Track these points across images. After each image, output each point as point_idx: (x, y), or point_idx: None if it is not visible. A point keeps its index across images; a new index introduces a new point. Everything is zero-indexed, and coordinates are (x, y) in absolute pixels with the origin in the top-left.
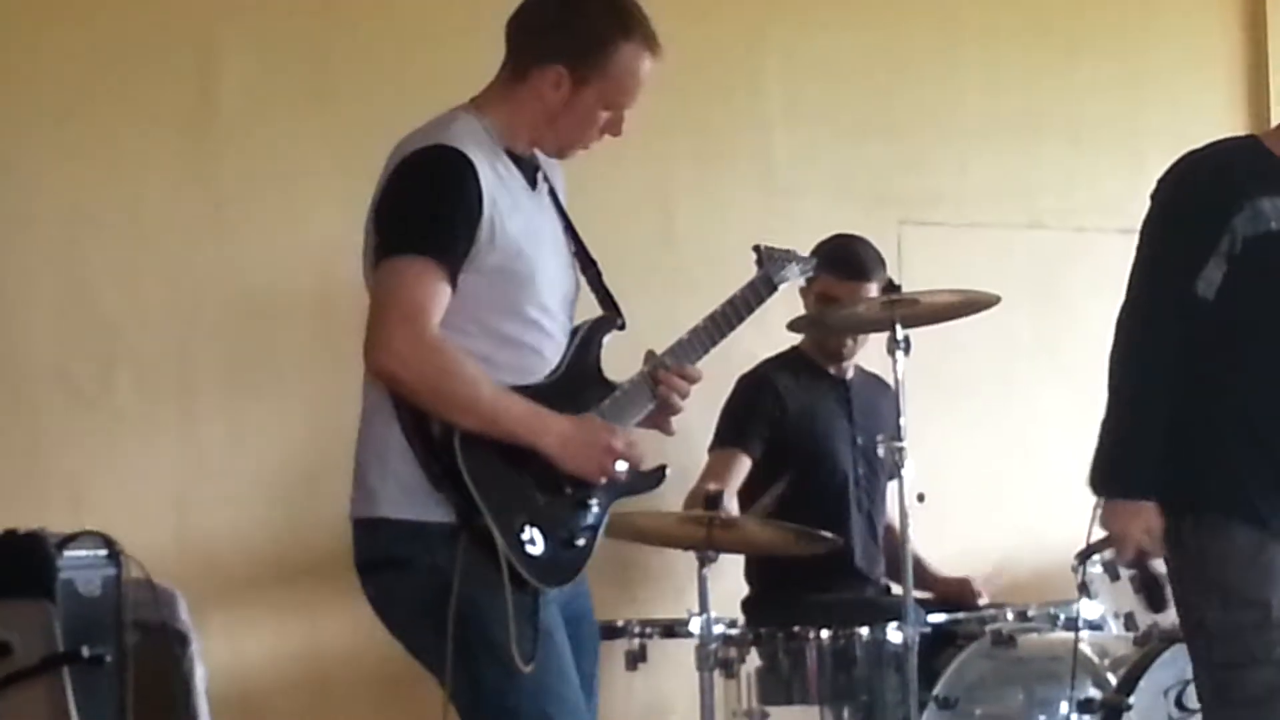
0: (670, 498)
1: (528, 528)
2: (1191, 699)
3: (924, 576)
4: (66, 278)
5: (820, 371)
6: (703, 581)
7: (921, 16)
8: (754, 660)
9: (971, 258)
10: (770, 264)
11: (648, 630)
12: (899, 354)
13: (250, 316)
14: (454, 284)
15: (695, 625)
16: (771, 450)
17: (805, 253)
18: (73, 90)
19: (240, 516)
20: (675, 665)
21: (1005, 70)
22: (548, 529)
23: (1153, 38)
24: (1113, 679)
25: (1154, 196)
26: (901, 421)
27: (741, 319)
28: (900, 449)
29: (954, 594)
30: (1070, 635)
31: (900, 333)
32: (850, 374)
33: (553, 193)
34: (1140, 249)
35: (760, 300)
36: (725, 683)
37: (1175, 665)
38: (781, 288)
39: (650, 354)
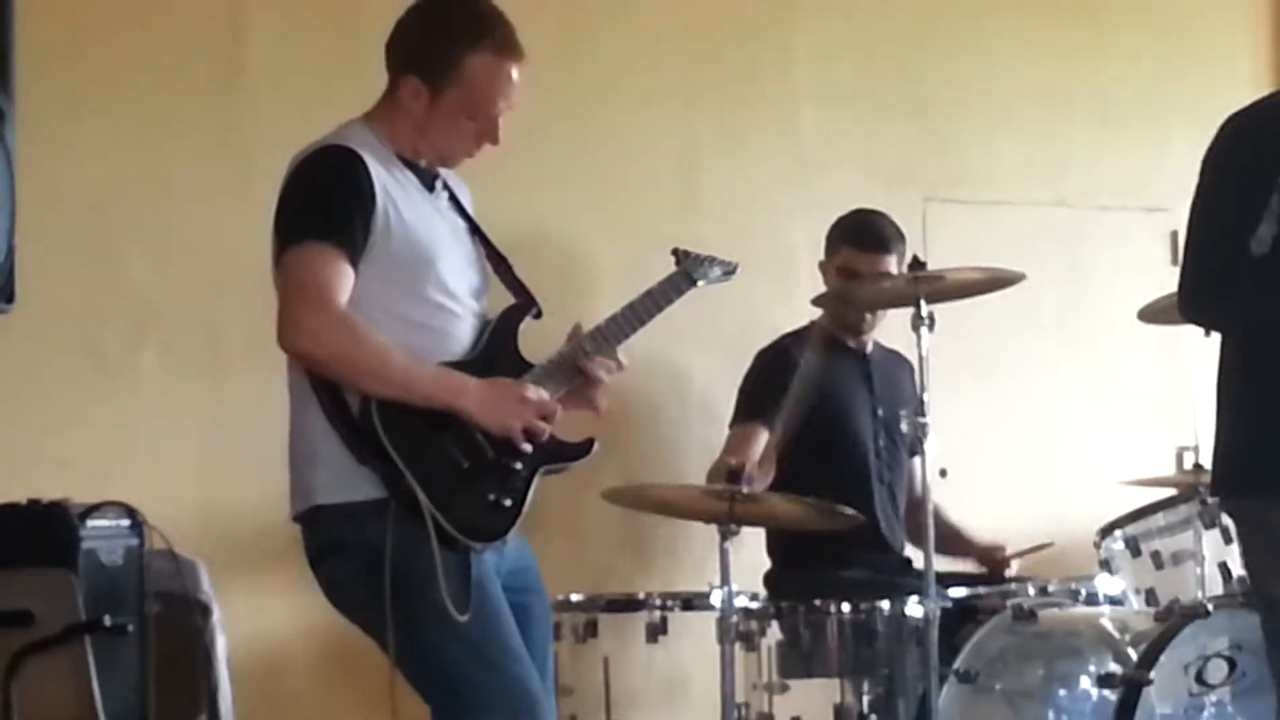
0: (693, 471)
1: (452, 487)
2: (1211, 674)
3: (958, 541)
4: (94, 248)
5: (840, 345)
6: (724, 554)
7: None
8: (775, 633)
9: (996, 235)
10: (690, 263)
11: (668, 603)
12: (923, 330)
13: None
14: (355, 266)
15: (716, 598)
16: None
17: (727, 258)
18: (100, 60)
19: (264, 487)
20: (696, 638)
21: (1032, 48)
22: (471, 490)
23: (1180, 16)
24: (1133, 654)
25: (1201, 166)
26: (925, 397)
27: (658, 311)
28: (923, 424)
29: (985, 558)
30: (1091, 610)
31: (924, 309)
32: (870, 348)
33: (455, 200)
34: (1193, 221)
35: (678, 294)
36: (746, 656)
37: (1196, 641)
38: (701, 284)
39: (577, 328)
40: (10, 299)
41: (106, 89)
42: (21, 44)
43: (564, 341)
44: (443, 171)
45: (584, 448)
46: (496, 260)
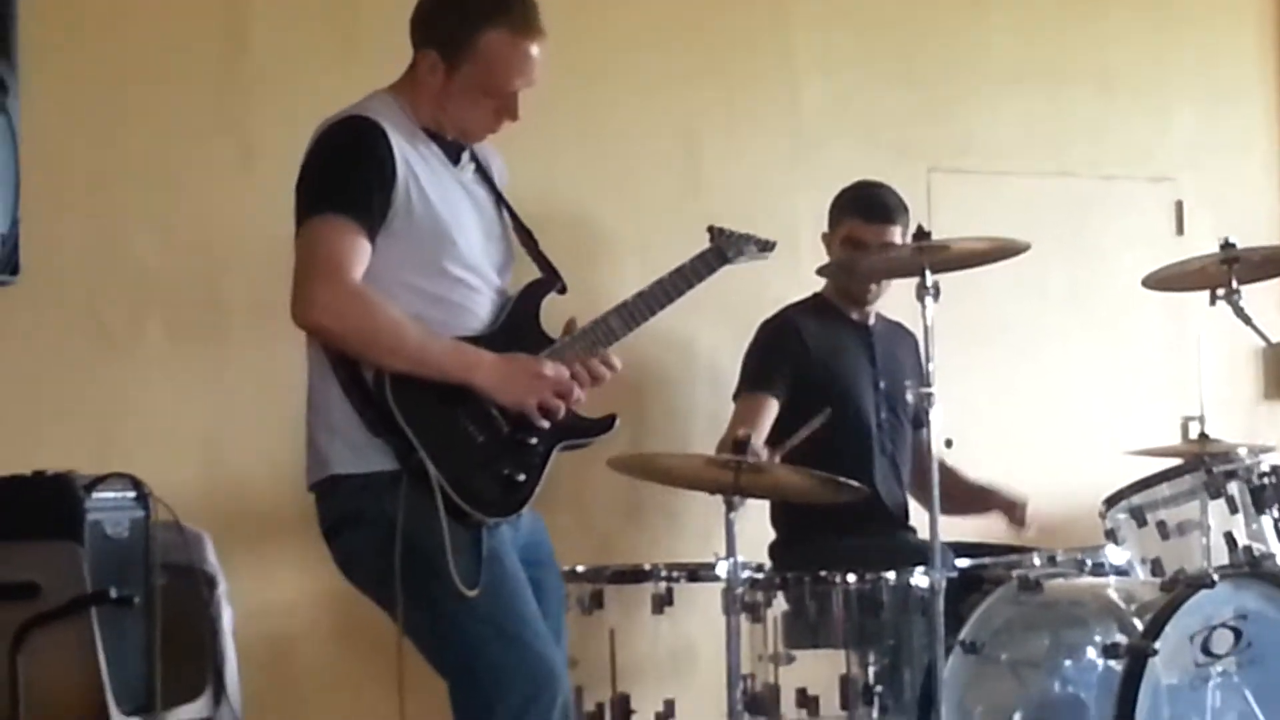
0: (697, 441)
1: (465, 461)
2: (1217, 644)
3: (980, 496)
4: (98, 223)
5: (843, 316)
6: (730, 525)
7: None
8: (780, 604)
9: (1000, 205)
10: (724, 240)
11: (674, 574)
12: (928, 300)
13: (279, 262)
14: (372, 240)
15: (722, 569)
16: (796, 393)
17: (765, 236)
18: (104, 34)
19: (269, 459)
20: (702, 609)
21: (1035, 17)
22: (486, 464)
23: None
24: (1139, 624)
25: None
26: (930, 368)
27: (688, 288)
28: (929, 395)
29: (1009, 511)
30: (1097, 580)
31: (930, 279)
32: (872, 320)
33: (483, 173)
34: None
35: (710, 272)
36: (751, 627)
37: (1202, 610)
38: (737, 262)
39: (571, 323)
40: (15, 271)
41: (110, 62)
42: (25, 16)
43: (560, 333)
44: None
45: (605, 424)
46: (524, 235)
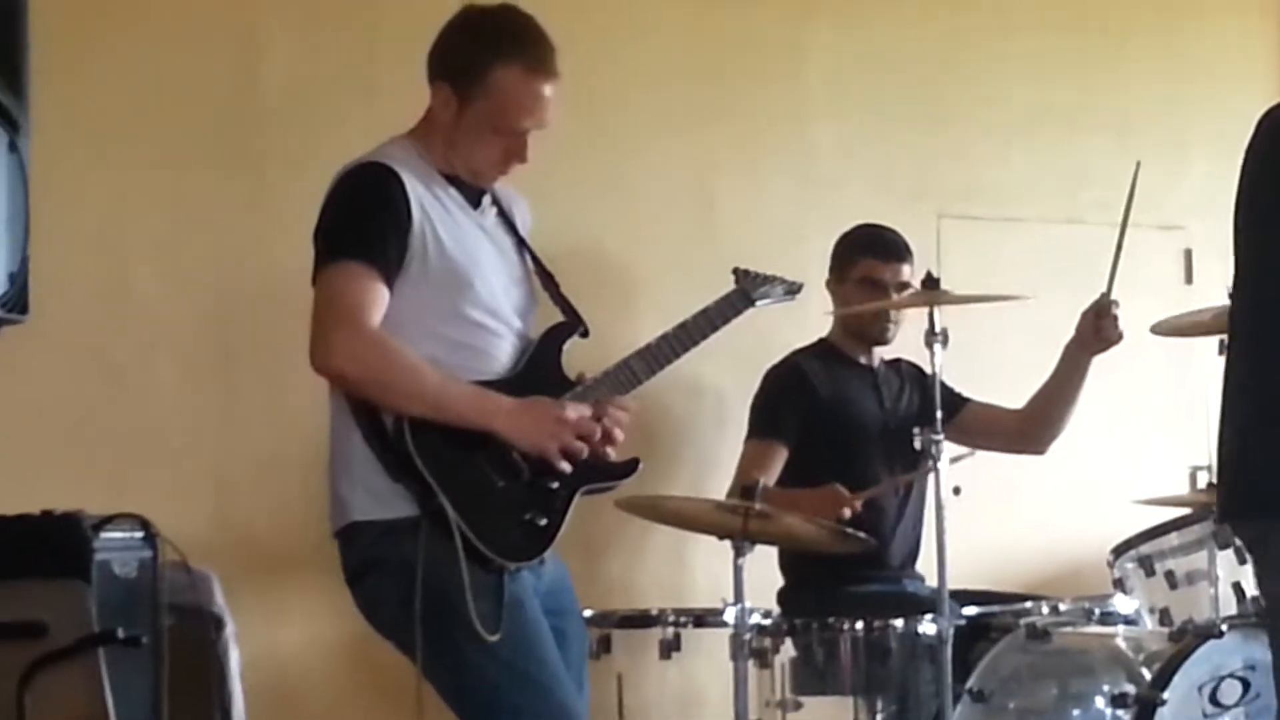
0: (703, 484)
1: (486, 506)
2: (1225, 695)
3: (1061, 372)
4: (107, 261)
5: (849, 360)
6: (738, 571)
7: (966, 7)
8: (788, 651)
9: (1009, 251)
10: (749, 283)
11: (682, 619)
12: (936, 346)
13: (290, 302)
14: (390, 286)
15: (730, 615)
16: (805, 439)
17: (791, 278)
18: (115, 76)
19: (278, 499)
20: (709, 655)
21: (1048, 64)
22: (507, 509)
23: (1197, 33)
24: (1147, 674)
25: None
26: (938, 414)
27: (712, 331)
28: (937, 440)
29: (1094, 321)
30: (1105, 629)
31: (939, 325)
32: (877, 362)
33: (505, 217)
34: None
35: (735, 314)
36: (759, 673)
37: (1210, 661)
38: (761, 305)
39: (581, 376)
40: (25, 310)
41: (121, 102)
42: (36, 56)
43: (574, 380)
44: (498, 188)
45: (628, 467)
46: (545, 278)
